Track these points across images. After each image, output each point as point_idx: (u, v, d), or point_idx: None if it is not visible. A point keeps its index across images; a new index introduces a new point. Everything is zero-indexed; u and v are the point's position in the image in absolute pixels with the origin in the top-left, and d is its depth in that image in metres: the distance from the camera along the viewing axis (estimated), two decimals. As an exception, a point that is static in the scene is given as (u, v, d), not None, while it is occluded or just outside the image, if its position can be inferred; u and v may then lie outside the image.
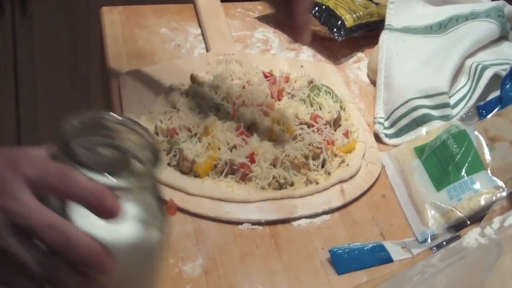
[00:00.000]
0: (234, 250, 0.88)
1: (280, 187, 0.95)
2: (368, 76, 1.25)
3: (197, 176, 0.95)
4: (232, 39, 1.28)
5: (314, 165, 0.98)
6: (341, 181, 0.98)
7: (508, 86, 1.05)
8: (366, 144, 1.05)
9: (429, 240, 0.91)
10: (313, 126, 1.02)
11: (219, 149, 0.97)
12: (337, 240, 0.91)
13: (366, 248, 0.90)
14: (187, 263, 0.86)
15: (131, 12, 1.36)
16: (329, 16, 1.29)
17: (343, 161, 1.00)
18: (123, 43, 1.27)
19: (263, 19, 1.39)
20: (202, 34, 1.31)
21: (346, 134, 1.03)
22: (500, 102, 1.04)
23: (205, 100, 1.04)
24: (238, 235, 0.90)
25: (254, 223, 0.92)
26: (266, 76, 1.12)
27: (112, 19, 1.34)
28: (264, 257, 0.87)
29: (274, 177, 0.95)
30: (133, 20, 1.34)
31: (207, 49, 1.25)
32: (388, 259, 0.89)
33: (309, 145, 0.98)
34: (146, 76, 1.15)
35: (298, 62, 1.24)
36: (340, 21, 1.29)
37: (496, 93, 1.07)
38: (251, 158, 0.96)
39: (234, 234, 0.90)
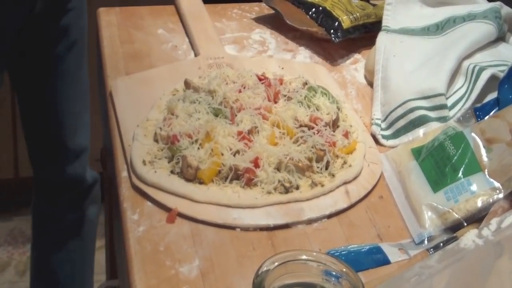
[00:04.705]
0: (231, 252, 0.88)
1: (286, 191, 0.94)
2: (365, 77, 1.25)
3: (201, 182, 0.94)
4: (220, 42, 1.27)
5: (318, 167, 0.97)
6: (345, 183, 0.98)
7: (506, 87, 1.05)
8: (366, 144, 1.04)
9: (425, 241, 0.91)
10: (313, 128, 1.02)
11: (222, 154, 0.96)
12: (334, 242, 0.91)
13: (363, 250, 0.89)
14: (184, 265, 0.85)
15: (127, 13, 1.36)
16: (326, 18, 1.29)
17: (345, 162, 1.00)
18: (120, 44, 1.27)
19: (260, 20, 1.39)
20: (189, 38, 1.29)
21: (346, 135, 1.03)
22: (497, 103, 1.04)
23: (203, 105, 1.04)
24: (235, 236, 0.90)
25: (263, 228, 0.91)
26: (260, 79, 1.11)
27: (109, 20, 1.34)
28: (261, 259, 0.86)
29: (279, 181, 0.94)
30: (129, 21, 1.34)
31: (196, 54, 1.24)
32: (385, 261, 0.88)
33: (312, 147, 0.98)
34: (138, 82, 1.14)
35: (289, 63, 1.24)
36: (337, 23, 1.29)
37: (493, 95, 1.07)
38: (255, 162, 0.95)
39: (231, 236, 0.90)
